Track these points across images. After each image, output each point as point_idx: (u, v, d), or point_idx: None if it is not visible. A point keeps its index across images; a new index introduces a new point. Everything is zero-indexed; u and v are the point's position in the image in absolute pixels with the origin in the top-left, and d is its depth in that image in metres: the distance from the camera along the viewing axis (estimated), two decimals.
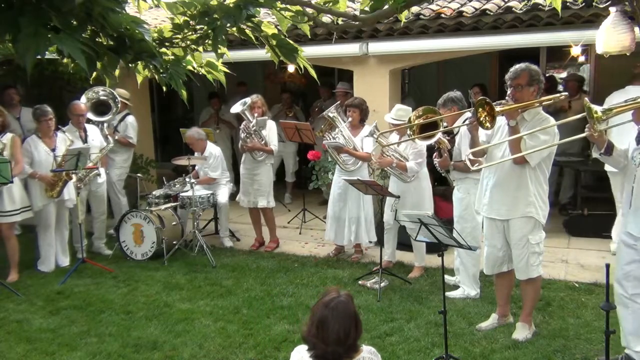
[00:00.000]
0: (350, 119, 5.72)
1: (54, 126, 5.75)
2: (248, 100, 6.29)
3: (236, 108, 6.28)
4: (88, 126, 6.24)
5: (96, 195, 6.30)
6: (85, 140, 6.08)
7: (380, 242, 5.46)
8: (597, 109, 3.07)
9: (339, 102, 6.38)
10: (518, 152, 3.70)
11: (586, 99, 3.24)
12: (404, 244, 5.60)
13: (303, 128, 7.09)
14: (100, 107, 6.51)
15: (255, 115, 6.22)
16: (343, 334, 2.28)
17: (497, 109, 3.50)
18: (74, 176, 5.73)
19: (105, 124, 6.55)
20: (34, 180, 5.66)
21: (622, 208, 3.52)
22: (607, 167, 5.24)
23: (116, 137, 6.69)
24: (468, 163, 3.75)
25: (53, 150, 5.73)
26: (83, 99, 6.44)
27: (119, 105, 6.70)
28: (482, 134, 4.07)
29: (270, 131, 6.34)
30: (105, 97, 6.61)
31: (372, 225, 5.85)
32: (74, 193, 5.88)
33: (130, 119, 7.03)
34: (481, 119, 3.47)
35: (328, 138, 5.73)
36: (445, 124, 4.71)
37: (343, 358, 2.31)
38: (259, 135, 6.25)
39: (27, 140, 5.78)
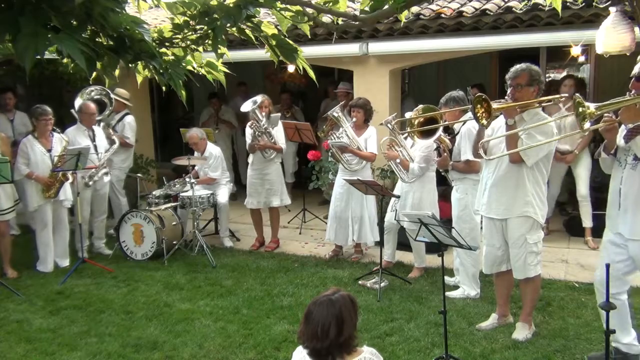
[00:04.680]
0: (354, 119, 5.72)
1: (51, 126, 5.76)
2: (258, 99, 6.26)
3: (246, 107, 6.23)
4: (95, 127, 6.30)
5: (99, 194, 6.31)
6: (93, 140, 6.11)
7: (380, 242, 5.46)
8: (589, 104, 3.04)
9: (342, 102, 6.39)
10: (516, 152, 3.70)
11: (577, 94, 3.22)
12: (404, 244, 5.60)
13: (303, 128, 7.09)
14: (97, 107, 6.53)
15: (263, 114, 6.21)
16: (320, 331, 2.27)
17: (495, 105, 3.50)
18: (70, 177, 5.73)
19: (102, 123, 6.56)
20: (30, 181, 5.67)
21: (609, 209, 3.51)
22: None
23: (113, 137, 6.69)
24: (482, 153, 3.71)
25: (49, 150, 5.74)
26: (78, 100, 6.46)
27: (114, 102, 6.72)
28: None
29: (278, 130, 6.34)
30: (98, 96, 6.63)
31: (375, 225, 5.85)
32: (70, 193, 5.89)
33: (129, 119, 7.02)
34: (478, 115, 3.46)
35: (332, 138, 5.74)
36: (446, 123, 4.72)
37: (336, 357, 2.30)
38: (268, 134, 6.24)
39: (23, 141, 5.81)
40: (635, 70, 3.30)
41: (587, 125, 3.05)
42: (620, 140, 3.39)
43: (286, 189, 6.63)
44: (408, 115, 5.31)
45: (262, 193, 6.38)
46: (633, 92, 3.26)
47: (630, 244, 3.38)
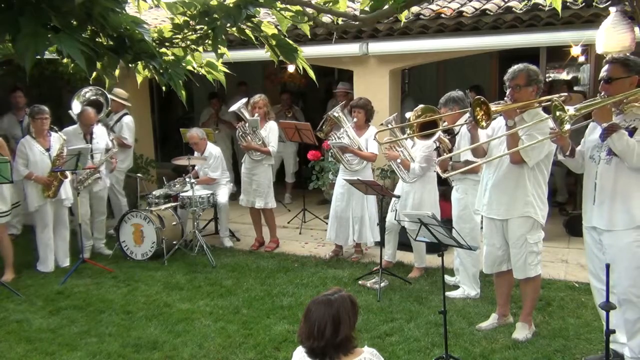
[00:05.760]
0: (355, 120, 5.72)
1: (48, 126, 5.74)
2: (245, 99, 6.28)
3: (234, 107, 6.29)
4: (95, 127, 6.25)
5: (97, 195, 6.29)
6: (89, 142, 6.09)
7: (380, 242, 5.46)
8: (568, 107, 3.12)
9: (343, 102, 6.39)
10: (516, 153, 3.71)
11: (555, 97, 3.27)
12: (405, 244, 5.60)
13: (303, 128, 7.09)
14: (95, 107, 6.51)
15: (256, 115, 6.22)
16: (317, 330, 2.28)
17: (494, 108, 3.51)
18: (69, 175, 5.72)
19: (100, 123, 6.55)
20: (30, 181, 5.66)
21: (584, 204, 3.57)
22: None
23: (111, 138, 6.67)
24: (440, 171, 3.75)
25: (48, 150, 5.73)
26: (75, 102, 6.45)
27: (111, 103, 6.71)
28: (482, 135, 4.07)
29: (271, 132, 6.32)
30: (94, 97, 6.61)
31: (375, 225, 5.84)
32: (71, 192, 5.88)
33: (127, 119, 7.01)
34: (478, 117, 3.48)
35: (333, 138, 5.73)
36: (445, 123, 4.72)
37: (333, 357, 2.30)
38: (255, 136, 6.24)
39: (21, 141, 5.79)
40: (602, 73, 3.37)
41: (567, 127, 3.12)
42: (593, 137, 3.45)
43: (276, 189, 6.57)
44: (408, 115, 5.31)
45: (250, 192, 6.41)
46: (603, 93, 3.34)
47: (605, 235, 3.42)
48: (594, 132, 3.48)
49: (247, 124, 6.22)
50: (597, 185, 3.43)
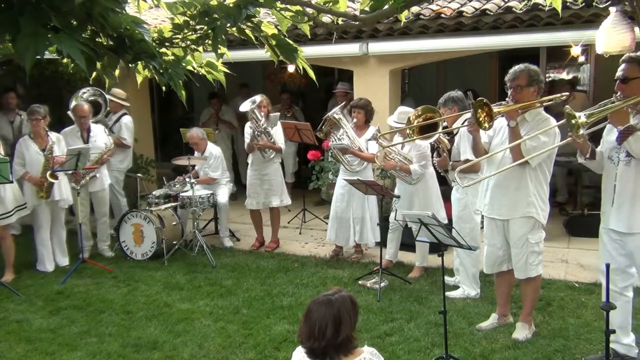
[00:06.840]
0: (355, 120, 5.72)
1: (43, 126, 5.70)
2: (257, 99, 6.24)
3: (245, 106, 6.22)
4: (93, 126, 6.23)
5: (96, 196, 6.27)
6: (86, 141, 6.07)
7: (381, 242, 5.45)
8: (579, 114, 3.11)
9: (343, 103, 6.38)
10: (518, 153, 3.71)
11: (567, 106, 3.26)
12: (405, 243, 5.60)
13: (303, 128, 7.09)
14: (94, 108, 6.50)
15: (262, 114, 6.21)
16: (317, 331, 2.28)
17: (495, 109, 3.51)
18: (60, 176, 5.70)
19: (99, 123, 6.54)
20: (25, 181, 5.67)
21: (603, 206, 3.56)
22: None
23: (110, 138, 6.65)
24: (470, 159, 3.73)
25: (44, 150, 5.71)
26: (73, 102, 6.43)
27: (109, 103, 6.70)
28: (483, 135, 4.07)
29: (277, 130, 6.34)
30: (93, 97, 6.60)
31: (376, 225, 5.84)
32: (67, 193, 5.87)
33: (126, 119, 6.99)
34: (480, 119, 3.49)
35: (333, 139, 5.73)
36: (445, 123, 4.72)
37: (333, 357, 2.30)
38: (267, 134, 6.24)
39: (20, 141, 5.79)
40: (618, 73, 3.33)
41: (581, 132, 3.13)
42: (611, 138, 3.44)
43: (286, 189, 6.63)
44: (391, 122, 5.32)
45: (262, 193, 6.38)
46: (619, 94, 3.30)
47: (629, 239, 3.41)
48: (611, 132, 3.46)
49: (261, 122, 6.17)
50: (616, 187, 3.40)
